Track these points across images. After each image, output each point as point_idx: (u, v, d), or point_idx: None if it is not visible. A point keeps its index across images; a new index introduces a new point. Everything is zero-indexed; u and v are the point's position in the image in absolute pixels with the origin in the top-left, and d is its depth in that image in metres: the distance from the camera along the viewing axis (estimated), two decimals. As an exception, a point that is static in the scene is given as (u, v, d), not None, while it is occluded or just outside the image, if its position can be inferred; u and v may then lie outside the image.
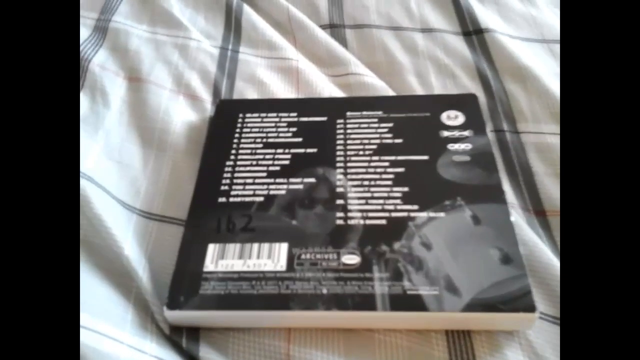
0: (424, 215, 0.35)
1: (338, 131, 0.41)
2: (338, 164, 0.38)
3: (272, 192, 0.37)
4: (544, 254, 0.35)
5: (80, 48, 0.48)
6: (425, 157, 0.39)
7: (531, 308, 0.30)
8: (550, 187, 0.39)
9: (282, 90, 0.47)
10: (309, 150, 0.40)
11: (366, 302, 0.31)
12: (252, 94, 0.46)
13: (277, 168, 0.38)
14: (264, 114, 0.43)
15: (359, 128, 0.41)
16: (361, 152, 0.39)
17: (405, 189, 0.36)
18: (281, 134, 0.41)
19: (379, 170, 0.38)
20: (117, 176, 0.39)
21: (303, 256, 0.33)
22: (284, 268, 0.32)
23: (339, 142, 0.40)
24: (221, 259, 0.33)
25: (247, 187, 0.37)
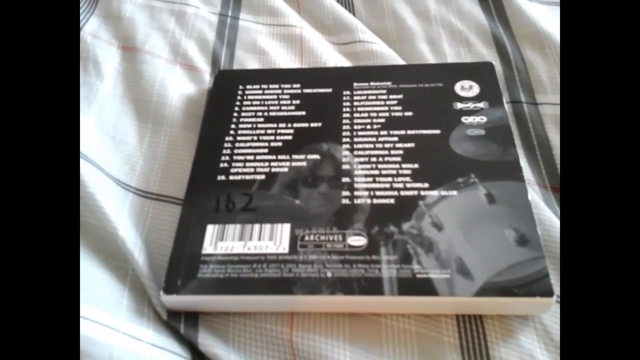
0: (435, 193, 0.33)
1: (344, 104, 0.39)
2: (344, 139, 0.36)
3: (274, 170, 0.35)
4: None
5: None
6: (437, 131, 0.36)
7: (548, 292, 0.29)
8: (570, 163, 0.37)
9: (285, 59, 0.44)
10: (313, 125, 0.37)
11: (373, 286, 0.29)
12: (253, 64, 0.44)
13: (279, 144, 0.36)
14: (265, 86, 0.40)
15: (366, 100, 0.39)
16: (368, 126, 0.37)
17: (416, 165, 0.34)
18: (283, 107, 0.39)
19: (387, 145, 0.36)
20: (111, 152, 0.37)
21: (306, 238, 0.31)
22: (286, 250, 0.31)
23: (345, 115, 0.38)
24: (220, 241, 0.31)
25: (248, 164, 0.35)
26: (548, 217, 0.33)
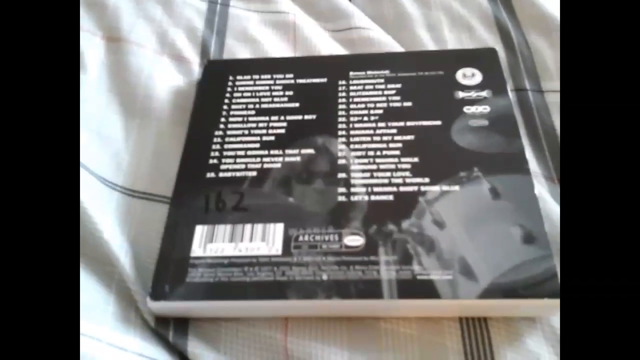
0: (436, 189, 0.31)
1: (340, 94, 0.37)
2: (340, 132, 0.34)
3: (266, 166, 0.33)
4: (570, 229, 0.31)
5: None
6: (438, 122, 0.34)
7: (556, 293, 0.27)
8: (578, 153, 0.35)
9: (277, 48, 0.42)
10: (307, 117, 0.35)
11: (371, 289, 0.28)
12: (243, 54, 0.42)
13: (272, 138, 0.34)
14: (256, 76, 0.38)
15: (363, 90, 0.37)
16: (366, 118, 0.35)
17: (415, 159, 0.32)
18: (276, 99, 0.37)
19: (385, 138, 0.34)
20: (96, 149, 0.35)
21: (301, 238, 0.30)
22: (279, 252, 0.29)
23: (340, 106, 0.36)
24: (210, 243, 0.30)
25: (239, 160, 0.33)
26: (555, 212, 0.32)
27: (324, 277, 0.28)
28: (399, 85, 0.37)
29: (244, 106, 0.36)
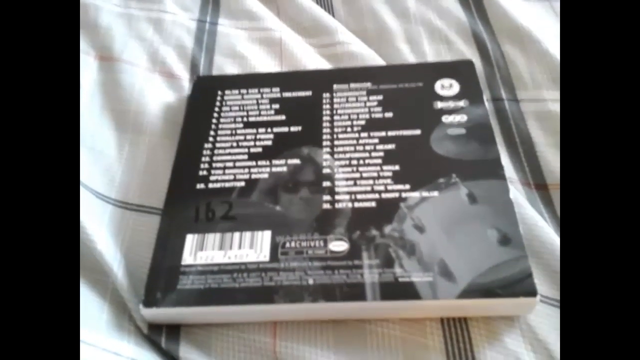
0: (416, 195, 0.33)
1: (324, 106, 0.38)
2: (324, 143, 0.36)
3: (253, 176, 0.34)
4: (544, 232, 0.32)
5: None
6: (418, 132, 0.36)
7: (532, 292, 0.28)
8: (552, 159, 0.37)
9: (264, 64, 0.44)
10: (292, 129, 0.37)
11: (355, 292, 0.29)
12: (232, 69, 0.43)
13: (259, 149, 0.36)
14: (244, 90, 0.40)
15: (346, 102, 0.38)
16: (349, 129, 0.36)
17: (396, 167, 0.34)
18: (263, 112, 0.38)
19: (368, 147, 0.35)
20: (90, 164, 0.37)
21: (287, 244, 0.31)
22: (267, 258, 0.30)
23: (325, 118, 0.37)
24: (200, 251, 0.31)
25: (227, 171, 0.35)
26: (531, 216, 0.33)
27: (310, 281, 0.29)
28: (380, 97, 0.38)
29: (232, 119, 0.38)
